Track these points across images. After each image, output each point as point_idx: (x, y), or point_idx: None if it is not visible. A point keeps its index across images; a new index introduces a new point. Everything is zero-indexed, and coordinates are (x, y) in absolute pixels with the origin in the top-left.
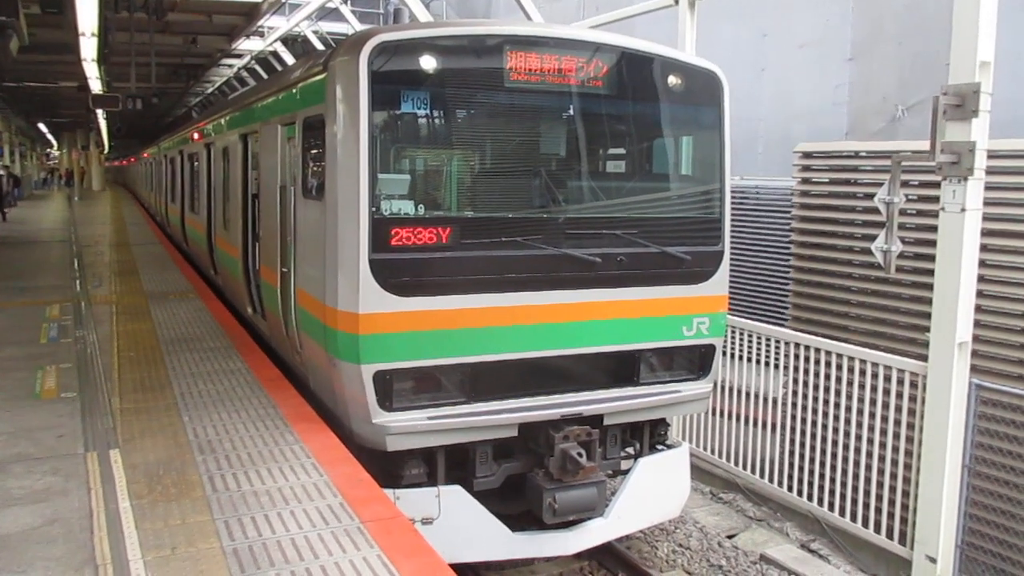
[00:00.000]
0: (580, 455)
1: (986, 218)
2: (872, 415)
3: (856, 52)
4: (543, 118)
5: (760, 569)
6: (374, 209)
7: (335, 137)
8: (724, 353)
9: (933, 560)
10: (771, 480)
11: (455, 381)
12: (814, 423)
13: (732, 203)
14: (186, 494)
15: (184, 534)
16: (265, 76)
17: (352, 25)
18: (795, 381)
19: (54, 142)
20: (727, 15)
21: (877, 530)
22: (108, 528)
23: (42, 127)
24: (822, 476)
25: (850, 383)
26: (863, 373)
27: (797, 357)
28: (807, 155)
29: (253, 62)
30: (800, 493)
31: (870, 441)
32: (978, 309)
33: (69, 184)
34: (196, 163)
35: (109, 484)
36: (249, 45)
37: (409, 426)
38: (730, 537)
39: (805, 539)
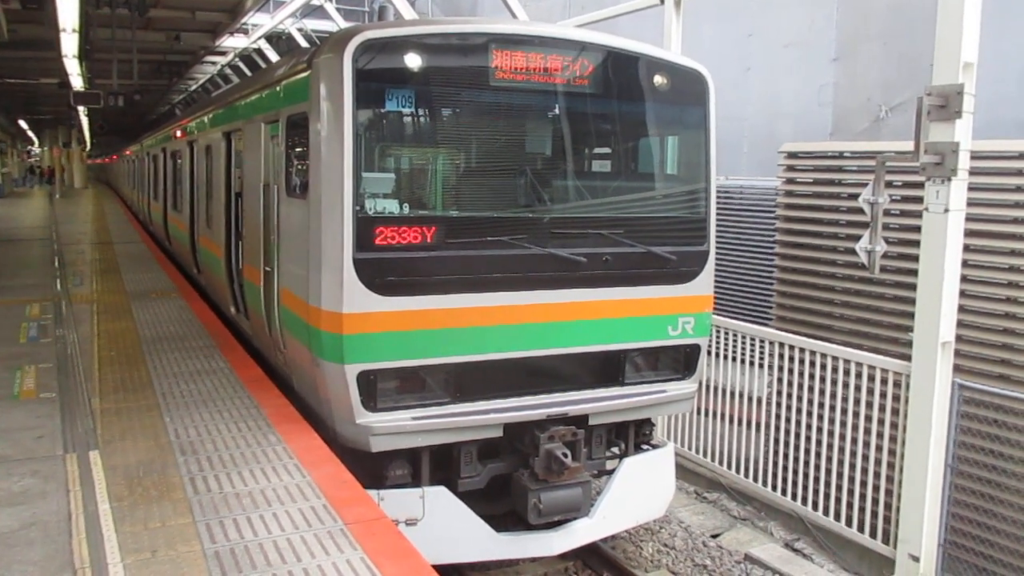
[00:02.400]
0: (565, 455)
1: (969, 219)
2: (856, 415)
3: (840, 52)
4: (528, 117)
5: (744, 568)
6: (358, 208)
7: (319, 135)
8: (709, 353)
9: (916, 559)
10: (755, 479)
11: (440, 381)
12: (798, 423)
13: (717, 203)
14: (167, 496)
15: (165, 537)
16: (249, 74)
17: (337, 23)
18: (779, 381)
19: (35, 139)
20: (712, 15)
21: (861, 529)
22: (87, 531)
23: (23, 124)
24: (806, 475)
25: (834, 383)
26: (847, 373)
27: (781, 357)
28: (792, 155)
29: (237, 59)
30: (784, 492)
31: (854, 440)
32: (961, 309)
33: (49, 182)
34: (179, 161)
35: (89, 486)
36: (233, 42)
37: (393, 426)
38: (714, 536)
39: (789, 538)
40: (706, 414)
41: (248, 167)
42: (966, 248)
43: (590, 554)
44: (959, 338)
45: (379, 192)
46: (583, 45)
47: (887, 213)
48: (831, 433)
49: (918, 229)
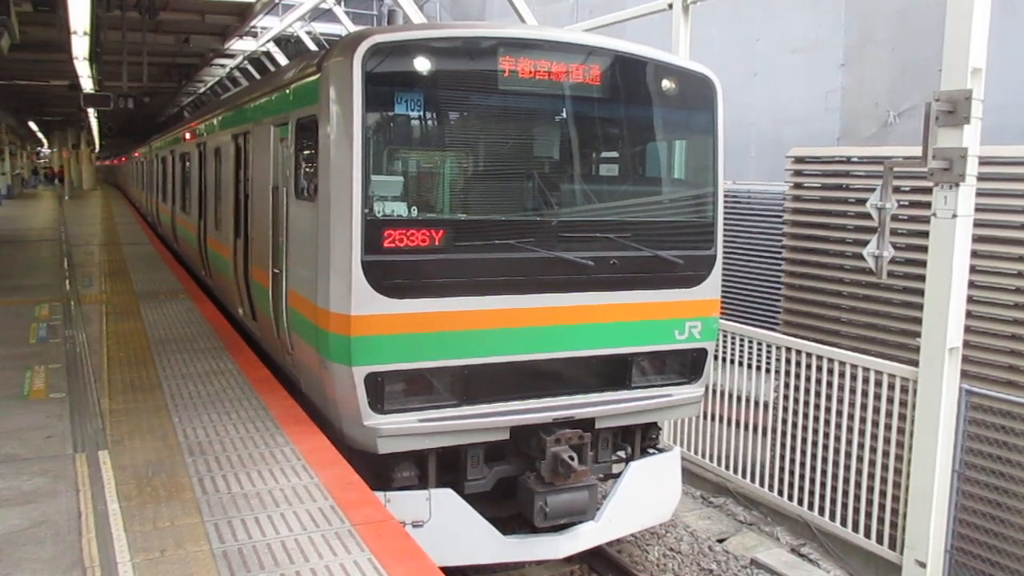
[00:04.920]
0: (571, 458)
1: (977, 224)
2: (863, 420)
3: (848, 57)
4: (536, 121)
5: (750, 573)
6: (367, 211)
7: (328, 138)
8: (716, 357)
9: (923, 565)
10: (762, 484)
11: (447, 383)
12: (805, 427)
13: (724, 207)
14: (176, 496)
15: (173, 536)
16: (258, 76)
17: (346, 26)
18: (786, 385)
19: (45, 140)
20: (720, 19)
21: (867, 535)
22: (97, 530)
23: (32, 125)
24: (813, 480)
25: (841, 388)
26: (854, 378)
27: (788, 361)
28: (799, 160)
29: (246, 62)
30: (791, 497)
31: (860, 446)
32: (968, 315)
33: (59, 181)
34: (188, 163)
35: (98, 486)
36: (242, 45)
37: (400, 428)
38: (721, 541)
39: (795, 543)
40: (713, 418)
41: (257, 169)
42: (974, 254)
43: (596, 558)
44: (967, 343)
45: (388, 195)
46: (591, 49)
47: (895, 218)
48: (838, 438)
49: (926, 234)
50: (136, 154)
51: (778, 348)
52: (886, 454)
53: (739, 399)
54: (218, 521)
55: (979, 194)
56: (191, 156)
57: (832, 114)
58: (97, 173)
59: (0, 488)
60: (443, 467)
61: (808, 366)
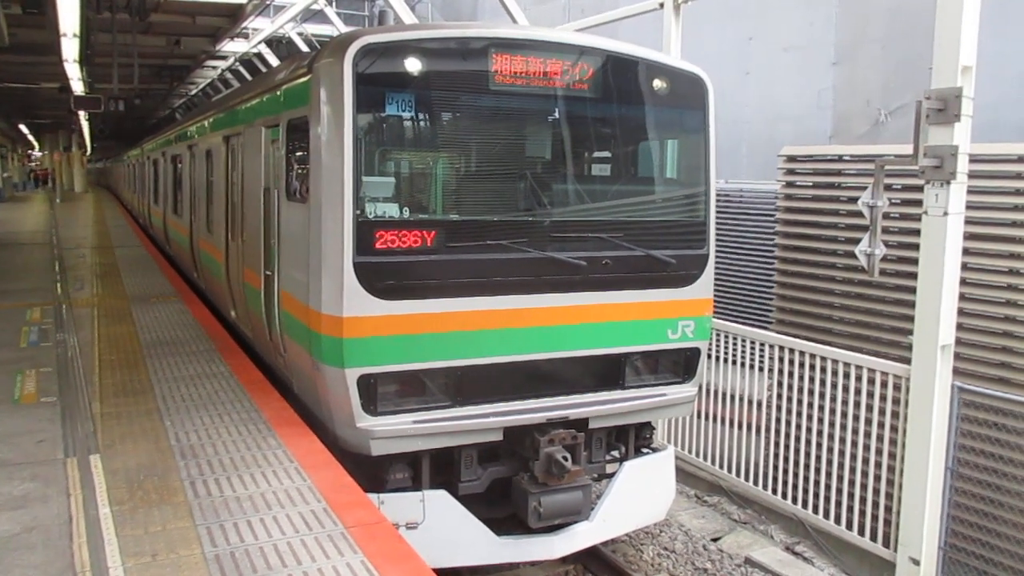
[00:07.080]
0: (565, 459)
1: (968, 222)
2: (856, 418)
3: (840, 56)
4: (528, 121)
5: (745, 572)
6: (358, 212)
7: (319, 139)
8: (709, 356)
9: (916, 562)
10: (756, 483)
11: (440, 385)
12: (798, 426)
13: (717, 206)
14: (167, 500)
15: (165, 540)
16: (249, 78)
17: (337, 27)
18: (779, 384)
19: (36, 143)
20: (712, 18)
21: (861, 532)
22: (88, 535)
23: (23, 128)
24: (806, 479)
25: (834, 386)
26: (847, 376)
27: (781, 360)
28: (791, 159)
29: (237, 64)
30: (784, 496)
31: (854, 444)
32: (960, 312)
33: (45, 183)
34: (179, 165)
35: (89, 490)
36: (233, 47)
37: (394, 430)
38: (715, 540)
39: (790, 542)
40: (706, 418)
41: (248, 171)
42: (965, 251)
43: (590, 558)
44: (959, 341)
45: (379, 196)
46: (583, 49)
47: (886, 216)
48: (831, 436)
49: (917, 232)
50: (128, 156)
51: (771, 347)
52: (879, 452)
53: (732, 398)
54: (210, 525)
55: (971, 192)
56: (182, 158)
57: (824, 112)
58: (89, 176)
59: None
60: (437, 468)
61: (801, 364)
